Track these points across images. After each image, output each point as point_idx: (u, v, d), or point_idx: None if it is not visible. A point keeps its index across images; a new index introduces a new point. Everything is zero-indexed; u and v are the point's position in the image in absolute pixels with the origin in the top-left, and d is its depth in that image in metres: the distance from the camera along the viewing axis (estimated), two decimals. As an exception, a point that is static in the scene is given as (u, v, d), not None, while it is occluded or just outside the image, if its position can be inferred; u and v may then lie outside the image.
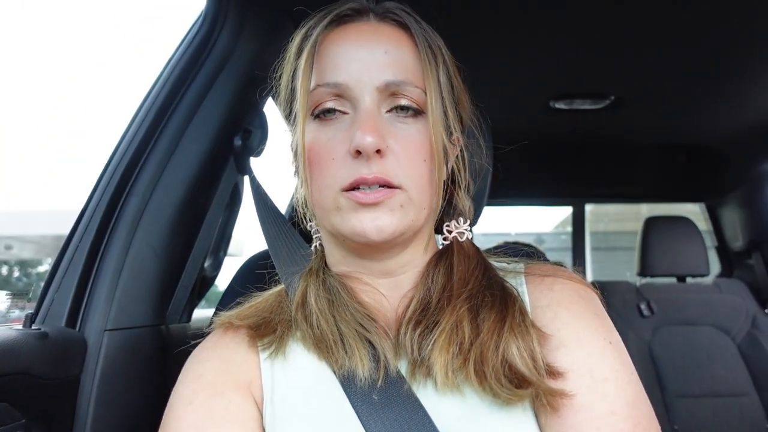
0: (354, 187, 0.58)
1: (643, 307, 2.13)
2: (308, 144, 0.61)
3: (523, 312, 0.60)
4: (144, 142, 0.96)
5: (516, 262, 0.70)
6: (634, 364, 0.60)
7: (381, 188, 0.57)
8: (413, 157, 0.59)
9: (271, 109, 1.15)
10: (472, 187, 0.72)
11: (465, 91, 0.69)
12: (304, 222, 0.72)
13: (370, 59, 0.60)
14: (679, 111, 1.85)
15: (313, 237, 0.72)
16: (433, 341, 0.57)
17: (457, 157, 0.69)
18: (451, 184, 0.69)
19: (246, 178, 1.14)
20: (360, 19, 0.63)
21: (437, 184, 0.62)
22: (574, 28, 1.32)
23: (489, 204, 1.04)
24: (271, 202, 0.84)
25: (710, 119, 1.89)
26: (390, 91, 0.60)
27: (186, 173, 0.99)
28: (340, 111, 0.60)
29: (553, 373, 0.57)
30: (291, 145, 0.70)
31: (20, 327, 0.77)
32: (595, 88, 1.68)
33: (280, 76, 0.68)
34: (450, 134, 0.66)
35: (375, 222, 0.57)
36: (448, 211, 0.70)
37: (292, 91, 0.65)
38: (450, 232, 0.69)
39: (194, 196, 1.01)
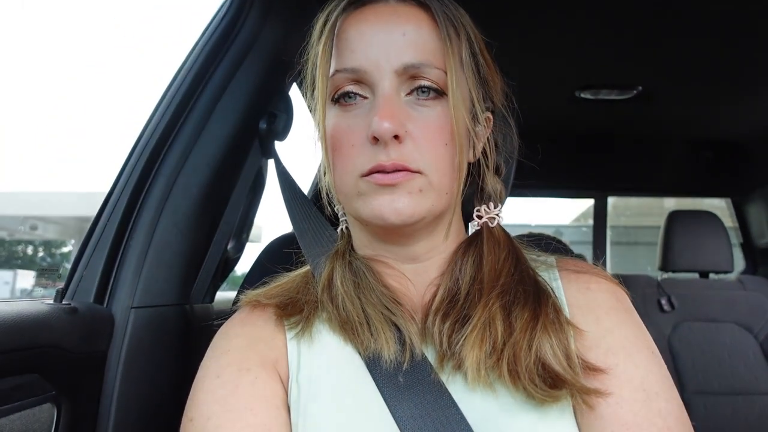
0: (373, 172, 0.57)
1: (663, 301, 2.10)
2: (329, 130, 0.61)
3: (557, 309, 0.60)
4: (171, 124, 0.97)
5: (545, 255, 0.69)
6: None
7: (400, 171, 0.57)
8: (433, 141, 0.58)
9: (295, 94, 1.15)
10: (503, 169, 0.71)
11: (495, 68, 0.67)
12: (331, 206, 0.72)
13: (387, 42, 0.58)
14: (708, 105, 1.81)
15: (341, 220, 0.72)
16: (464, 337, 0.57)
17: (488, 137, 0.68)
18: (479, 167, 0.68)
19: (270, 162, 1.15)
20: (379, 1, 0.62)
21: (459, 167, 0.61)
22: (602, 17, 1.30)
23: (510, 194, 1.03)
24: (296, 185, 0.84)
25: (738, 114, 1.85)
26: (409, 73, 0.58)
27: (212, 155, 0.99)
28: (360, 95, 0.60)
29: (592, 369, 0.56)
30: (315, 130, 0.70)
31: (51, 302, 0.79)
32: (622, 79, 1.65)
33: (305, 61, 0.68)
34: (475, 115, 0.64)
35: (393, 204, 0.57)
36: (478, 195, 0.69)
37: (315, 77, 0.65)
38: (480, 217, 0.68)
39: (219, 179, 1.02)
